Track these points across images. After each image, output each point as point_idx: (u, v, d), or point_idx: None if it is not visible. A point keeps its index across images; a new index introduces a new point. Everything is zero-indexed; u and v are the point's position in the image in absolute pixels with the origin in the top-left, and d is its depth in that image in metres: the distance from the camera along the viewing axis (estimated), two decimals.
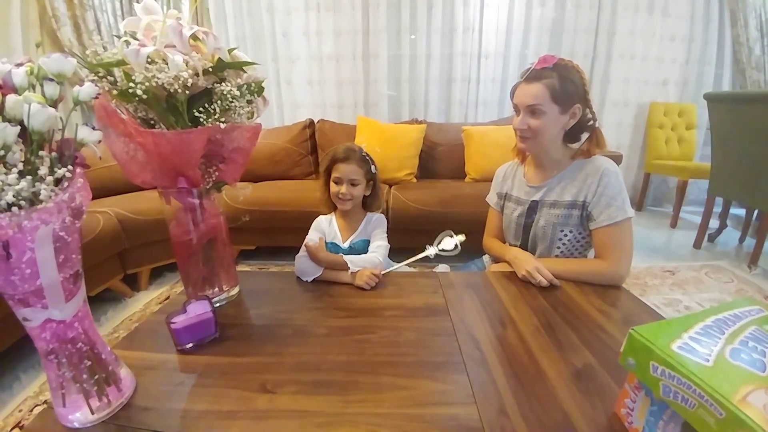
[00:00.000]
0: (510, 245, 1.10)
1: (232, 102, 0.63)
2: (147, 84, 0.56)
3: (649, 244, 2.32)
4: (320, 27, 2.69)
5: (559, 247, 0.98)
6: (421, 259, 0.88)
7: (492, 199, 1.17)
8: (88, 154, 0.47)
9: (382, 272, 0.89)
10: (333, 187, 1.01)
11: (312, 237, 1.01)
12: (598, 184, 0.90)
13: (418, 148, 2.34)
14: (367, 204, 1.07)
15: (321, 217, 1.08)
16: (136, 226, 1.66)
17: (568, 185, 0.95)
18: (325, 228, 1.05)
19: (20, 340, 1.18)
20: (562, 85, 0.87)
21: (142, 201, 1.74)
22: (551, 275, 0.86)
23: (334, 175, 1.00)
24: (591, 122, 0.94)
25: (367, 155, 1.03)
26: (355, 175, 0.99)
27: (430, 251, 0.85)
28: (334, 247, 1.03)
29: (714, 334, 0.43)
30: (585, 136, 0.97)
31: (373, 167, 1.03)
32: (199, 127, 0.63)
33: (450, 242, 0.87)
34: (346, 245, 1.03)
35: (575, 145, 0.99)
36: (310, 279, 0.91)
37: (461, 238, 0.86)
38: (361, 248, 1.02)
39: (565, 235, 0.97)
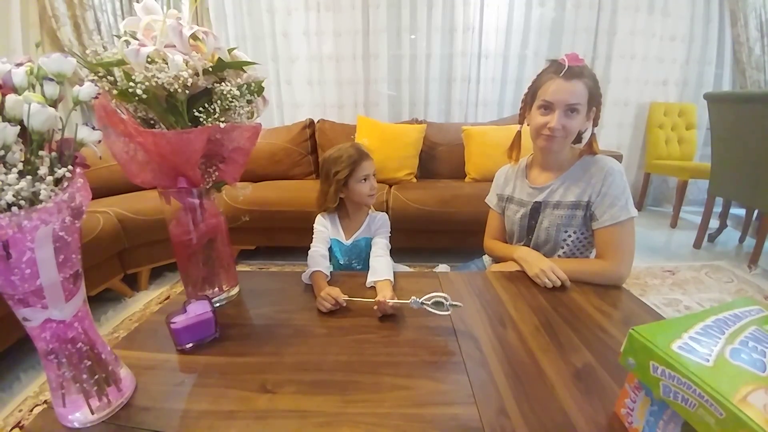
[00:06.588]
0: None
1: (232, 102, 0.63)
2: (147, 84, 0.56)
3: (649, 244, 2.32)
4: (320, 27, 2.69)
5: (562, 248, 0.98)
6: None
7: (492, 200, 1.17)
8: (88, 154, 0.47)
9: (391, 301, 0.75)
10: (363, 188, 0.99)
11: (321, 250, 0.96)
12: (602, 184, 0.90)
13: (418, 148, 2.34)
14: None
15: (325, 213, 1.07)
16: (136, 226, 1.66)
17: (571, 185, 0.95)
18: (328, 224, 1.05)
19: (20, 340, 1.18)
20: (595, 87, 0.87)
21: (142, 201, 1.74)
22: (564, 275, 0.85)
23: (361, 174, 0.98)
24: (595, 126, 0.95)
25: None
26: (374, 167, 1.02)
27: (414, 299, 0.72)
28: (336, 244, 1.04)
29: (714, 334, 0.43)
30: (585, 137, 0.97)
31: None
32: (199, 127, 0.63)
33: (438, 303, 0.71)
34: (349, 242, 1.04)
35: (577, 146, 1.00)
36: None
37: (457, 304, 0.70)
38: (364, 245, 1.03)
39: (569, 236, 0.97)
